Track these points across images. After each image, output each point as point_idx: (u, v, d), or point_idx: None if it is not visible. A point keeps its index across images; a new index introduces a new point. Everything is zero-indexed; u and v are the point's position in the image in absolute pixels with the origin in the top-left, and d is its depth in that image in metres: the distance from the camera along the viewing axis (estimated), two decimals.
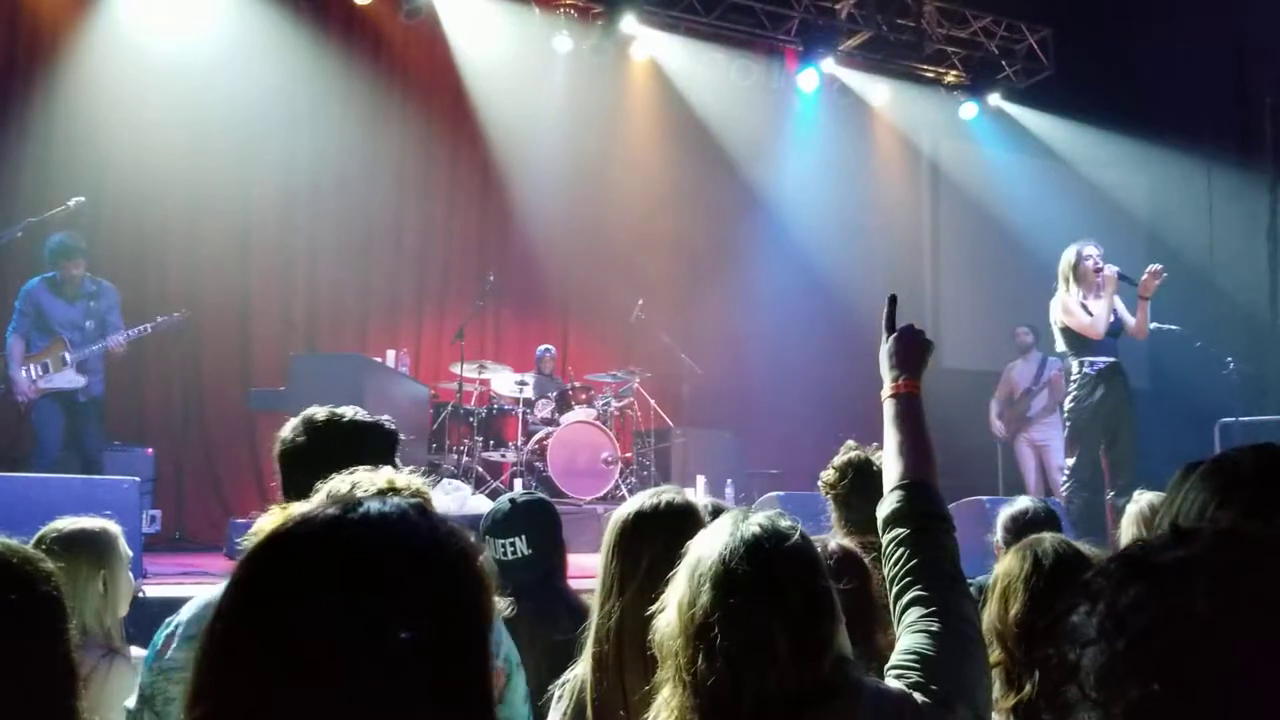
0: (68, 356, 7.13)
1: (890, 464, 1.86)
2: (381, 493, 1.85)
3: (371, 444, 2.30)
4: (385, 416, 2.46)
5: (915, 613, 1.63)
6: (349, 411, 2.36)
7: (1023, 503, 3.82)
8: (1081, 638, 0.81)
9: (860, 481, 3.17)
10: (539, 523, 3.08)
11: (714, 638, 1.44)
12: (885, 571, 1.74)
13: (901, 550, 1.70)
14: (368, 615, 0.91)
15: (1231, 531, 0.84)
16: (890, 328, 2.06)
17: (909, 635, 1.62)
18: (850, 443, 3.36)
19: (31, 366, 7.07)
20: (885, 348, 2.02)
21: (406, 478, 2.02)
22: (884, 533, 1.77)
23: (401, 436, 2.46)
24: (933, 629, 1.60)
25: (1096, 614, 0.81)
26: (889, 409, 1.93)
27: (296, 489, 2.25)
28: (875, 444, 3.31)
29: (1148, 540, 0.87)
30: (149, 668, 2.06)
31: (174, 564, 6.46)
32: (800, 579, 1.48)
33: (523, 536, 3.00)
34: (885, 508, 1.80)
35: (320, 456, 2.23)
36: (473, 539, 1.03)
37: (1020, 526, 3.66)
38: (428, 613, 0.93)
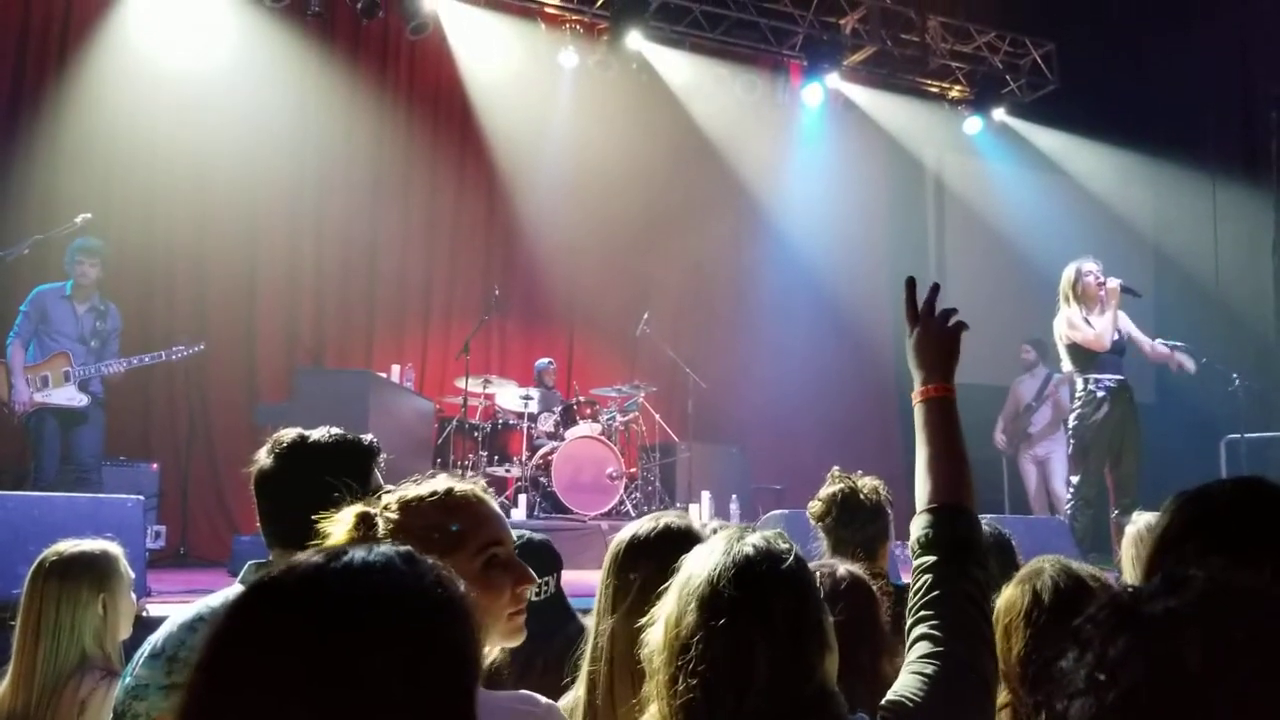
0: (70, 373, 7.00)
1: (920, 481, 1.75)
2: (438, 502, 1.83)
3: (343, 462, 2.22)
4: (367, 434, 2.39)
5: (920, 649, 1.58)
6: (319, 432, 2.30)
7: None
8: (1070, 688, 0.80)
9: (846, 514, 3.15)
10: (555, 560, 3.06)
11: (693, 658, 1.40)
12: (909, 597, 1.66)
13: (925, 579, 1.63)
14: (344, 670, 0.90)
15: (1221, 583, 0.83)
16: (912, 318, 1.92)
17: (906, 674, 1.56)
18: (835, 471, 3.29)
19: (32, 377, 6.92)
20: (910, 343, 1.90)
21: (464, 485, 1.96)
22: (914, 556, 1.68)
23: (382, 453, 2.38)
24: (928, 672, 1.54)
25: (1085, 664, 0.80)
26: (918, 415, 1.81)
27: (266, 514, 2.24)
28: (860, 470, 3.31)
29: (1138, 587, 0.86)
30: (122, 685, 2.07)
31: (178, 581, 6.44)
32: (789, 605, 1.43)
33: (555, 575, 2.98)
34: (914, 531, 1.71)
35: (288, 478, 2.21)
36: (460, 585, 1.02)
37: None
38: (406, 667, 0.93)
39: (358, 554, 0.99)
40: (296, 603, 0.95)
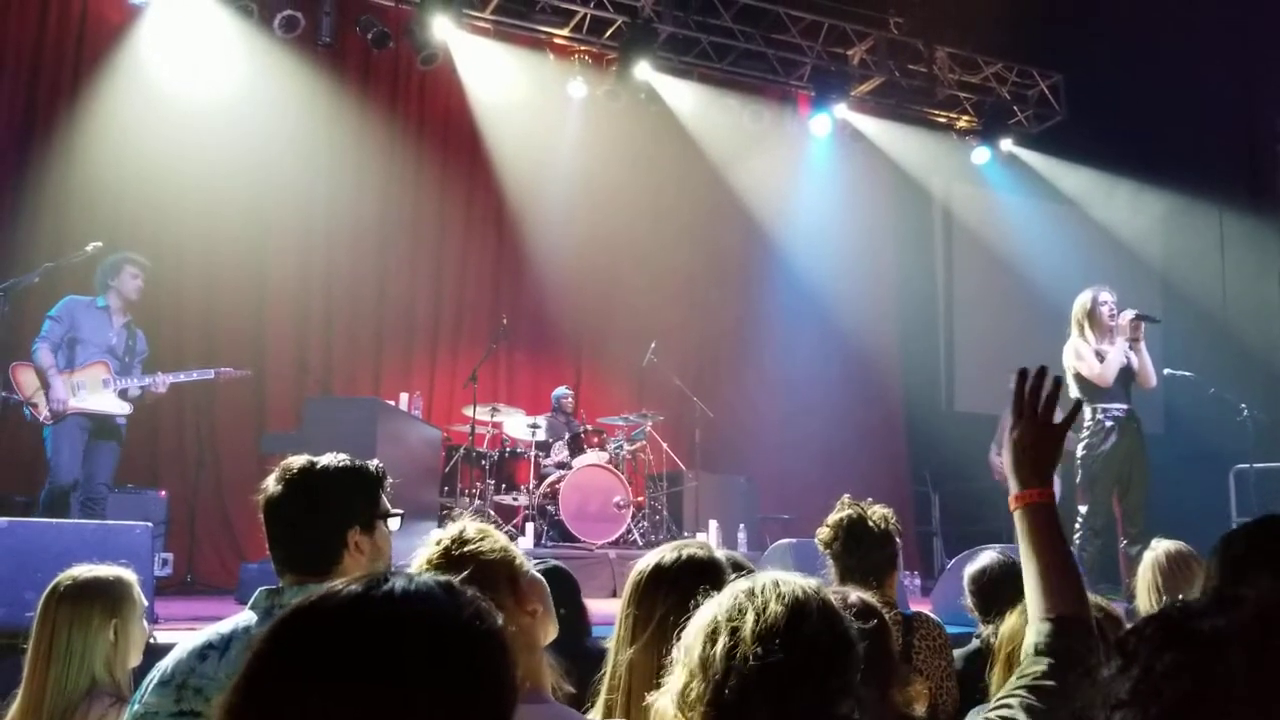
0: (108, 381, 6.71)
1: (1033, 591, 1.71)
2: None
3: (349, 489, 2.28)
4: (374, 460, 2.40)
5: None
6: (327, 458, 2.31)
7: (984, 559, 3.61)
8: (1113, 698, 0.81)
9: (853, 541, 3.15)
10: (564, 586, 3.04)
11: (727, 685, 1.40)
12: (1018, 670, 1.65)
13: (1037, 668, 1.60)
14: (381, 698, 0.90)
15: (1271, 603, 0.83)
16: (1018, 413, 1.82)
17: None
18: (845, 498, 3.31)
19: (66, 382, 6.56)
20: (1009, 439, 1.81)
21: (478, 527, 2.07)
22: (1026, 658, 1.65)
23: (389, 479, 2.40)
24: None
25: (1130, 677, 0.80)
26: (1019, 522, 1.75)
27: (277, 540, 2.25)
28: (870, 499, 3.31)
29: (1187, 603, 0.86)
30: (131, 712, 2.07)
31: (185, 609, 6.42)
32: (824, 637, 1.45)
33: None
34: (1031, 639, 1.67)
35: (297, 505, 2.23)
36: (499, 618, 1.03)
37: (982, 586, 3.54)
38: (446, 696, 0.93)
39: (398, 582, 0.99)
40: (336, 628, 0.95)
